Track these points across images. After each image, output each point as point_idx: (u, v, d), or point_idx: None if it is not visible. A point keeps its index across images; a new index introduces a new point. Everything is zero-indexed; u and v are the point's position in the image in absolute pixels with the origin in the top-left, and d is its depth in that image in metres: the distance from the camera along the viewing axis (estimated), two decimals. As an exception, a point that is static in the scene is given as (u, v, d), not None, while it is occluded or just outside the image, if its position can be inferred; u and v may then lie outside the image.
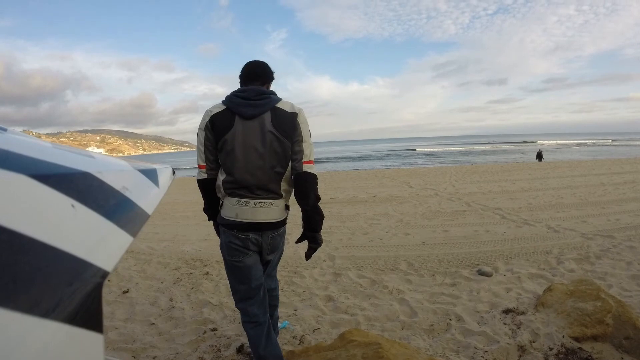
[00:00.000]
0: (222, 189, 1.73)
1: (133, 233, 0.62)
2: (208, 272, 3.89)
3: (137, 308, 3.09)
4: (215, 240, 2.12)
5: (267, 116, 1.66)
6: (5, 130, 0.65)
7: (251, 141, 1.65)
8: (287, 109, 1.70)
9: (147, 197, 0.78)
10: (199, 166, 1.78)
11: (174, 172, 1.19)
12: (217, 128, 1.68)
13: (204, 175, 1.79)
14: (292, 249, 4.32)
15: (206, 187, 1.82)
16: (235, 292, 1.88)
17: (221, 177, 1.74)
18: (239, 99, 1.69)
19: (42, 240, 0.40)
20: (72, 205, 0.47)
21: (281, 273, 3.70)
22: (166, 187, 1.00)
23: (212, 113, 1.69)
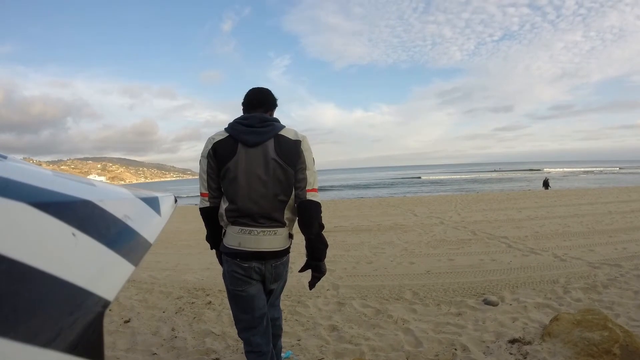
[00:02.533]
0: (224, 217, 1.72)
1: (135, 262, 0.62)
2: (210, 302, 3.87)
3: (138, 338, 3.07)
4: (218, 269, 2.12)
5: (271, 143, 1.65)
6: (5, 157, 0.65)
7: (254, 169, 1.64)
8: (291, 136, 1.69)
9: (149, 226, 0.78)
10: (202, 194, 1.78)
11: (176, 200, 1.19)
12: (220, 156, 1.67)
13: (207, 204, 1.78)
14: (296, 278, 4.30)
15: (208, 215, 1.81)
16: (238, 321, 1.85)
17: (224, 205, 1.72)
18: (242, 126, 1.69)
19: (43, 269, 0.40)
20: (73, 234, 0.48)
21: (284, 302, 3.66)
22: (168, 216, 1.01)
23: (215, 140, 1.70)
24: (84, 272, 0.47)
